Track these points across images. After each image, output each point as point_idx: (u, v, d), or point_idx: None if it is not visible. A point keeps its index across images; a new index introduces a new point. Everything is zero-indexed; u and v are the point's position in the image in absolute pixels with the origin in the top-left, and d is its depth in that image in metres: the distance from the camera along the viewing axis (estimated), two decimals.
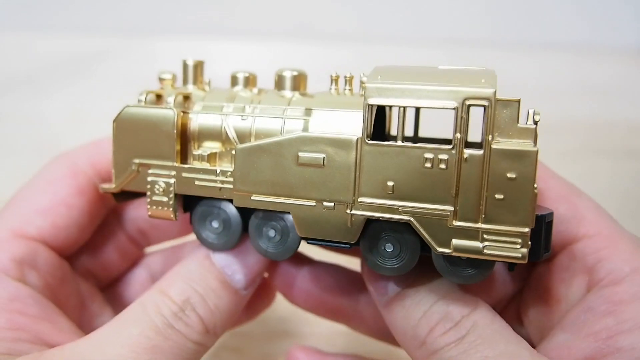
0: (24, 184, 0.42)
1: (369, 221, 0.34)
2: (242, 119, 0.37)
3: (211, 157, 0.37)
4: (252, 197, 0.35)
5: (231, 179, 0.36)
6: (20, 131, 0.85)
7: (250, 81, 0.40)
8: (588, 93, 0.89)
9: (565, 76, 0.91)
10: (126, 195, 0.40)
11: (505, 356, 0.31)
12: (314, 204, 0.34)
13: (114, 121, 0.38)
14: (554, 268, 0.38)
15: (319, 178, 0.34)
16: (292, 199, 0.34)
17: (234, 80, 0.40)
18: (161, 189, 0.37)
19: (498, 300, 0.42)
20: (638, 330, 0.32)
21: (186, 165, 0.37)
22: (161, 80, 0.41)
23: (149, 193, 0.37)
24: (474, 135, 0.33)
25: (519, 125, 0.33)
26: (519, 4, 0.95)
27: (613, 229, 0.37)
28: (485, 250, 0.32)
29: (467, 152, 0.31)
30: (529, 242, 0.31)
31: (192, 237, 0.42)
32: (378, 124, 0.39)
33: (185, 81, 0.41)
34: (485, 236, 0.32)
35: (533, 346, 0.33)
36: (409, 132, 0.40)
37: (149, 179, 0.37)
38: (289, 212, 0.35)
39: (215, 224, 0.38)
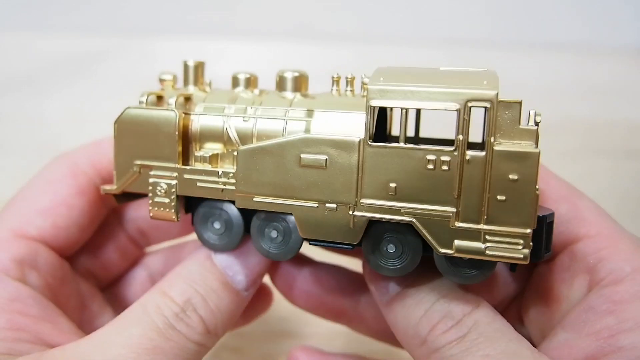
0: (24, 184, 0.42)
1: (371, 222, 0.34)
2: (244, 121, 0.37)
3: (213, 159, 0.37)
4: (255, 199, 0.35)
5: (233, 181, 0.36)
6: (20, 131, 0.85)
7: (251, 82, 0.40)
8: (588, 93, 0.89)
9: (565, 76, 0.91)
10: (127, 196, 0.40)
11: (506, 355, 0.31)
12: (316, 205, 0.34)
13: (115, 122, 0.38)
14: (555, 268, 0.38)
15: (322, 179, 0.34)
16: (295, 200, 0.34)
17: (235, 81, 0.40)
18: (163, 191, 0.37)
19: (499, 301, 0.42)
20: (639, 329, 0.32)
21: (188, 167, 0.37)
22: (162, 81, 0.41)
23: (150, 194, 0.37)
24: (474, 135, 0.33)
25: (520, 126, 0.33)
26: (519, 4, 0.95)
27: (613, 229, 0.37)
28: (487, 251, 0.32)
29: (469, 153, 0.31)
30: (531, 243, 0.31)
31: (193, 237, 0.42)
32: (379, 124, 0.39)
33: (186, 82, 0.41)
34: (487, 237, 0.32)
35: (534, 346, 0.33)
36: (410, 132, 0.40)
37: (151, 180, 0.37)
38: (291, 213, 0.35)
39: (217, 225, 0.38)
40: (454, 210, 0.32)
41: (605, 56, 0.93)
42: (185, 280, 0.37)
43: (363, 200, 0.33)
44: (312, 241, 0.35)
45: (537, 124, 0.33)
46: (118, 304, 0.46)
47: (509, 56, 0.90)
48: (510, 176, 0.31)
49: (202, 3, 0.95)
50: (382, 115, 0.40)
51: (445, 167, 0.32)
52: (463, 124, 0.31)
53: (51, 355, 0.33)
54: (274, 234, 0.36)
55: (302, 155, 0.34)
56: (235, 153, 0.36)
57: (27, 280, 0.38)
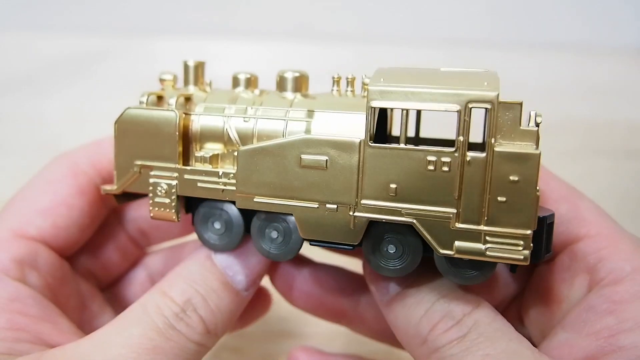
0: (24, 184, 0.42)
1: (372, 223, 0.34)
2: (245, 121, 0.37)
3: (213, 159, 0.37)
4: (255, 199, 0.35)
5: (234, 181, 0.36)
6: (20, 131, 0.85)
7: (251, 82, 0.40)
8: (588, 93, 0.89)
9: (565, 76, 0.91)
10: (128, 197, 0.40)
11: (507, 354, 0.31)
12: (316, 205, 0.34)
13: (115, 123, 0.38)
14: (555, 268, 0.38)
15: (322, 180, 0.34)
16: (295, 200, 0.34)
17: (236, 81, 0.40)
18: (163, 191, 0.37)
19: (500, 301, 0.42)
20: (639, 329, 0.32)
21: (188, 167, 0.37)
22: (162, 81, 0.41)
23: (151, 195, 0.37)
24: (474, 134, 0.33)
25: (521, 127, 0.33)
26: (519, 4, 0.95)
27: (613, 229, 0.37)
28: (487, 252, 0.32)
29: (470, 154, 0.31)
30: (531, 244, 0.31)
31: (193, 237, 0.42)
32: (380, 124, 0.39)
33: (186, 82, 0.41)
34: (487, 238, 0.32)
35: (534, 346, 0.33)
36: (410, 132, 0.40)
37: (151, 180, 0.37)
38: (291, 214, 0.35)
39: (217, 225, 0.38)
40: (455, 211, 0.32)
41: (606, 56, 0.93)
42: (185, 280, 0.37)
43: (363, 201, 0.33)
44: (312, 242, 0.35)
45: (537, 124, 0.33)
46: (118, 304, 0.46)
47: (509, 56, 0.90)
48: (511, 177, 0.31)
49: (202, 3, 0.95)
50: (382, 115, 0.40)
51: (445, 168, 0.32)
52: (464, 125, 0.31)
53: (51, 355, 0.33)
54: (274, 234, 0.37)
55: (303, 156, 0.34)
56: (235, 153, 0.36)
57: (27, 280, 0.38)
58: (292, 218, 0.35)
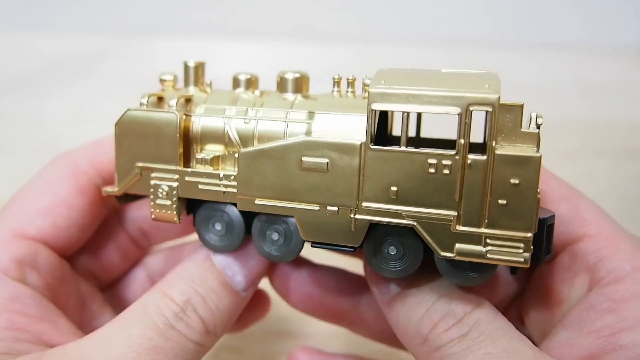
0: (24, 184, 0.42)
1: (373, 225, 0.34)
2: (245, 122, 0.37)
3: (214, 161, 0.37)
4: (256, 201, 0.35)
5: (234, 183, 0.36)
6: (20, 131, 0.85)
7: (252, 83, 0.40)
8: (588, 93, 0.89)
9: (565, 76, 0.91)
10: (129, 197, 0.40)
11: (508, 353, 0.31)
12: (317, 208, 0.34)
13: (115, 125, 0.38)
14: (556, 268, 0.38)
15: (323, 183, 0.34)
16: (296, 203, 0.34)
17: (236, 82, 0.40)
18: (164, 193, 0.37)
19: (500, 301, 0.43)
20: (639, 327, 0.32)
21: (189, 169, 0.37)
22: (162, 81, 0.41)
23: (152, 196, 0.37)
24: (475, 134, 0.33)
25: (522, 129, 0.33)
26: (519, 4, 0.95)
27: (613, 229, 0.37)
28: (488, 255, 0.32)
29: (471, 157, 0.31)
30: (532, 247, 0.31)
31: (194, 237, 0.42)
32: (380, 123, 0.39)
33: (186, 82, 0.41)
34: (488, 241, 0.32)
35: (535, 346, 0.33)
36: (411, 131, 0.40)
37: (152, 182, 0.37)
38: (292, 216, 0.35)
39: (218, 227, 0.38)
40: (455, 214, 0.32)
41: (605, 56, 0.93)
42: (185, 281, 0.37)
43: (364, 204, 0.33)
44: (313, 244, 0.35)
45: (538, 126, 0.33)
46: (118, 304, 0.46)
47: (509, 56, 0.90)
48: (512, 180, 0.31)
49: (202, 3, 0.95)
50: (383, 114, 0.40)
51: (446, 171, 0.32)
52: (464, 128, 0.31)
53: (51, 355, 0.33)
54: (275, 236, 0.37)
55: (304, 159, 0.34)
56: (236, 155, 0.36)
57: (27, 280, 0.38)
58: (293, 219, 0.35)
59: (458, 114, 0.31)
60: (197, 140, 0.38)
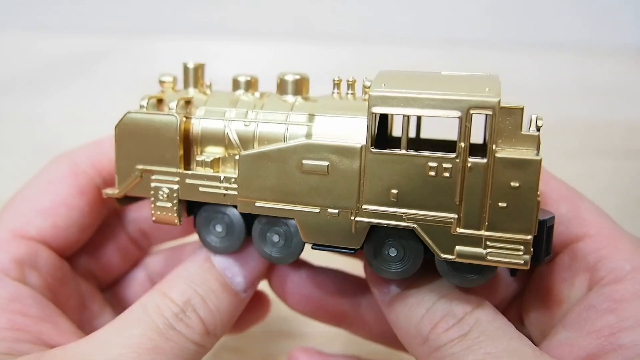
0: (24, 184, 0.42)
1: (373, 227, 0.34)
2: (245, 125, 0.37)
3: (214, 163, 0.37)
4: (257, 204, 0.35)
5: (235, 186, 0.36)
6: (20, 131, 0.84)
7: (251, 84, 0.40)
8: (588, 93, 0.89)
9: (565, 76, 0.91)
10: (129, 199, 0.40)
11: (508, 353, 0.31)
12: (318, 210, 0.34)
13: (115, 127, 0.38)
14: (555, 268, 0.38)
15: (323, 185, 0.34)
16: (297, 205, 0.34)
17: (236, 84, 0.40)
18: (165, 195, 0.37)
19: (500, 301, 0.43)
20: (639, 327, 0.32)
21: (189, 172, 0.37)
22: (161, 83, 0.40)
23: (152, 199, 0.37)
24: (475, 134, 0.33)
25: (522, 132, 0.33)
26: (519, 4, 0.95)
27: (613, 229, 0.37)
28: (488, 257, 0.32)
29: (471, 160, 0.31)
30: (531, 249, 0.32)
31: (194, 238, 0.42)
32: (380, 124, 0.39)
33: (186, 84, 0.41)
34: (488, 243, 0.32)
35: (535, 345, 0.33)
36: (411, 132, 0.40)
37: (153, 184, 0.37)
38: (293, 218, 0.35)
39: (219, 228, 0.38)
40: (456, 216, 0.32)
41: (606, 56, 0.93)
42: (184, 281, 0.37)
43: (365, 206, 0.33)
44: (314, 245, 0.35)
45: (538, 129, 0.33)
46: (118, 304, 0.46)
47: (509, 56, 0.90)
48: (512, 183, 0.31)
49: (202, 3, 0.95)
50: (383, 115, 0.40)
51: (446, 174, 0.32)
52: (465, 131, 0.31)
53: (51, 355, 0.33)
54: (275, 238, 0.37)
55: (304, 161, 0.34)
56: (236, 157, 0.36)
57: (27, 281, 0.38)
58: (293, 222, 0.35)
59: (458, 118, 0.31)
60: (197, 142, 0.38)
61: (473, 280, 0.34)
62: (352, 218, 0.34)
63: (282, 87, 0.38)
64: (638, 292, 0.33)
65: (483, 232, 0.32)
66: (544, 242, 0.34)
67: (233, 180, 0.36)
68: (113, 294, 0.47)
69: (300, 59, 0.81)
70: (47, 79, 0.91)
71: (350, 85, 0.37)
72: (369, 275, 0.38)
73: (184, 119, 0.37)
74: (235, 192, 0.36)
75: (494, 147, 0.31)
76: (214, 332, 0.36)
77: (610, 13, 0.95)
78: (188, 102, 0.39)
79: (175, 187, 0.37)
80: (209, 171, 0.36)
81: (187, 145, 0.38)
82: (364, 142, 0.33)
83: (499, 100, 0.31)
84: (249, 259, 0.39)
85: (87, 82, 0.90)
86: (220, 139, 0.37)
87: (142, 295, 0.37)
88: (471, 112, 0.31)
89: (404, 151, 0.32)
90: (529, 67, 0.92)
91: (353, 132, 0.34)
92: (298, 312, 0.45)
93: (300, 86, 0.38)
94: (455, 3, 0.95)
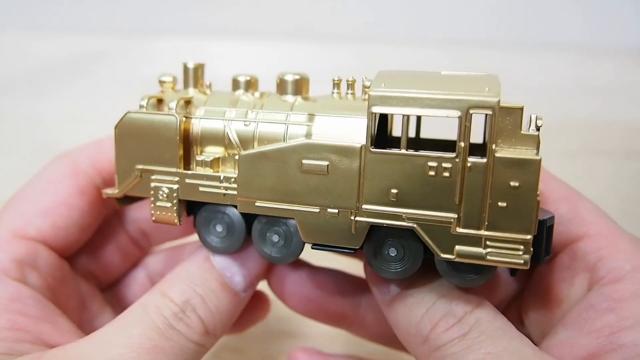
0: (24, 184, 0.42)
1: (373, 227, 0.34)
2: (245, 125, 0.37)
3: (214, 163, 0.37)
4: (256, 204, 0.35)
5: (235, 185, 0.36)
6: (20, 131, 0.84)
7: (251, 84, 0.40)
8: (588, 93, 0.89)
9: (565, 76, 0.91)
10: (129, 199, 0.40)
11: (508, 352, 0.31)
12: (318, 210, 0.34)
13: (115, 127, 0.38)
14: (555, 268, 0.38)
15: (323, 185, 0.34)
16: (296, 205, 0.35)
17: (236, 84, 0.40)
18: (165, 195, 0.37)
19: (500, 301, 0.43)
20: (639, 326, 0.32)
21: (189, 172, 0.37)
22: (161, 82, 0.41)
23: (152, 198, 0.37)
24: (474, 134, 0.33)
25: (522, 132, 0.33)
26: (520, 4, 0.95)
27: (613, 229, 0.37)
28: (487, 257, 0.32)
29: (471, 160, 0.32)
30: (531, 249, 0.32)
31: (194, 238, 0.42)
32: (380, 123, 0.39)
33: (185, 84, 0.41)
34: (488, 243, 0.32)
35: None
36: (411, 132, 0.40)
37: (152, 184, 0.37)
38: (293, 218, 0.35)
39: (219, 228, 0.38)
40: (455, 216, 0.32)
41: (606, 56, 0.93)
42: (184, 281, 0.37)
43: (365, 206, 0.33)
44: (314, 245, 0.35)
45: (538, 128, 0.33)
46: (118, 304, 0.46)
47: (509, 56, 0.90)
48: (512, 183, 0.31)
49: (202, 3, 0.95)
50: (383, 115, 0.40)
51: (446, 174, 0.32)
52: (464, 131, 0.31)
53: (51, 355, 0.33)
54: (275, 238, 0.37)
55: (304, 161, 0.34)
56: (236, 157, 0.36)
57: (27, 281, 0.38)
58: (293, 221, 0.35)
59: (458, 117, 0.31)
60: (197, 142, 0.38)
61: (473, 280, 0.34)
62: (352, 218, 0.34)
63: (282, 87, 0.38)
64: (638, 292, 0.33)
65: (483, 232, 0.32)
66: (544, 242, 0.34)
67: (233, 180, 0.36)
68: (113, 294, 0.47)
69: (300, 58, 0.81)
70: (47, 79, 0.91)
71: (350, 85, 0.37)
72: (369, 275, 0.38)
73: (184, 118, 0.37)
74: (235, 192, 0.36)
75: (493, 146, 0.31)
76: (213, 332, 0.36)
77: (610, 13, 0.95)
78: (188, 102, 0.39)
79: (175, 187, 0.37)
80: (208, 171, 0.37)
81: (187, 145, 0.38)
82: (364, 142, 0.33)
83: (499, 100, 0.31)
84: (248, 259, 0.39)
85: (87, 82, 0.90)
86: (220, 139, 0.37)
87: (142, 295, 0.37)
88: (471, 111, 0.31)
89: (403, 151, 0.32)
90: (529, 67, 0.92)
91: (353, 132, 0.34)
92: (298, 313, 0.45)
93: (300, 86, 0.38)
94: (455, 3, 0.95)
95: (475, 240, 0.32)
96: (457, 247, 0.32)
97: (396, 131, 0.41)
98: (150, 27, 0.96)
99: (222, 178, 0.36)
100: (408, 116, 0.32)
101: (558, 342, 0.35)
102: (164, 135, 0.36)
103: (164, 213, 0.37)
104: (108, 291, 0.47)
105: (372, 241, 0.35)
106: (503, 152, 0.32)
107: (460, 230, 0.32)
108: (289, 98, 0.38)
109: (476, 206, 0.32)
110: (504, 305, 0.43)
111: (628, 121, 0.86)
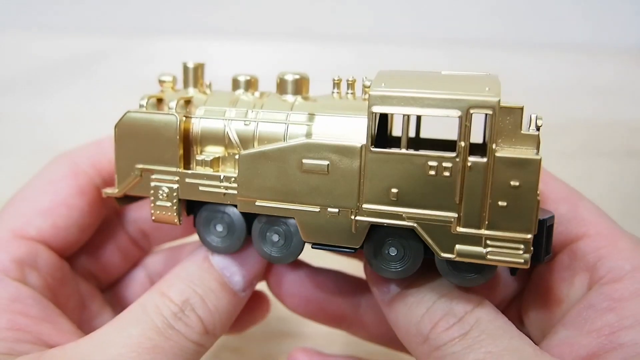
0: (24, 184, 0.42)
1: (373, 226, 0.34)
2: (245, 124, 0.37)
3: (214, 163, 0.37)
4: (257, 203, 0.35)
5: (235, 185, 0.36)
6: (20, 131, 0.84)
7: (251, 84, 0.40)
8: (589, 93, 0.89)
9: (565, 76, 0.91)
10: (129, 199, 0.40)
11: (508, 352, 0.31)
12: (318, 209, 0.34)
13: (115, 127, 0.38)
14: (555, 267, 0.38)
15: (323, 184, 0.34)
16: (297, 204, 0.35)
17: (236, 84, 0.40)
18: (165, 194, 0.37)
19: (500, 301, 0.43)
20: (639, 326, 0.32)
21: (189, 171, 0.37)
22: (161, 82, 0.41)
23: (152, 198, 0.37)
24: (474, 134, 0.33)
25: (522, 131, 0.33)
26: (520, 4, 0.95)
27: (613, 229, 0.37)
28: (488, 256, 0.32)
29: (471, 159, 0.32)
30: (531, 248, 0.32)
31: (195, 238, 0.42)
32: (380, 123, 0.39)
33: (185, 84, 0.41)
34: (488, 242, 0.32)
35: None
36: (411, 132, 0.40)
37: (152, 184, 0.37)
38: (293, 217, 0.35)
39: (219, 228, 0.38)
40: (456, 215, 0.32)
41: (607, 57, 0.93)
42: (183, 281, 0.37)
43: (365, 205, 0.33)
44: (314, 245, 0.35)
45: (538, 128, 0.33)
46: (118, 304, 0.46)
47: (510, 56, 0.90)
48: (512, 182, 0.31)
49: (202, 3, 0.95)
50: (383, 115, 0.40)
51: (446, 173, 0.32)
52: (465, 131, 0.31)
53: (51, 355, 0.33)
54: (275, 237, 0.37)
55: (304, 161, 0.34)
56: (236, 157, 0.36)
57: (27, 281, 0.38)
58: (293, 221, 0.35)
59: (458, 117, 0.31)
60: (197, 141, 0.38)
61: (473, 280, 0.34)
62: (352, 217, 0.34)
63: (282, 86, 0.38)
64: (637, 291, 0.33)
65: (483, 231, 0.32)
66: (544, 242, 0.34)
67: (233, 179, 0.36)
68: (113, 294, 0.47)
69: (300, 58, 0.81)
70: (47, 79, 0.91)
71: (350, 85, 0.37)
72: (369, 275, 0.38)
73: (184, 118, 0.37)
74: (235, 192, 0.36)
75: (493, 146, 0.31)
76: (213, 332, 0.36)
77: (610, 13, 0.95)
78: (188, 102, 0.39)
79: (175, 186, 0.37)
80: (208, 170, 0.36)
81: (187, 144, 0.38)
82: (364, 142, 0.33)
83: (499, 100, 0.31)
84: (247, 258, 0.39)
85: (87, 82, 0.90)
86: (220, 139, 0.37)
87: (141, 295, 0.37)
88: (471, 111, 0.31)
89: (404, 150, 0.32)
90: (530, 67, 0.92)
91: (353, 131, 0.34)
92: (298, 313, 0.45)
93: (300, 86, 0.38)
94: (455, 3, 0.95)
95: (476, 240, 0.32)
96: (458, 247, 0.32)
97: (396, 131, 0.41)
98: (150, 27, 0.96)
99: (222, 177, 0.36)
100: (408, 116, 0.32)
101: (558, 342, 0.35)
102: (164, 135, 0.36)
103: (163, 212, 0.37)
104: (108, 291, 0.47)
105: (372, 241, 0.35)
106: (503, 151, 0.32)
107: (460, 229, 0.32)
108: (289, 98, 0.38)
109: (476, 206, 0.32)
110: (504, 305, 0.43)
111: (628, 121, 0.86)
